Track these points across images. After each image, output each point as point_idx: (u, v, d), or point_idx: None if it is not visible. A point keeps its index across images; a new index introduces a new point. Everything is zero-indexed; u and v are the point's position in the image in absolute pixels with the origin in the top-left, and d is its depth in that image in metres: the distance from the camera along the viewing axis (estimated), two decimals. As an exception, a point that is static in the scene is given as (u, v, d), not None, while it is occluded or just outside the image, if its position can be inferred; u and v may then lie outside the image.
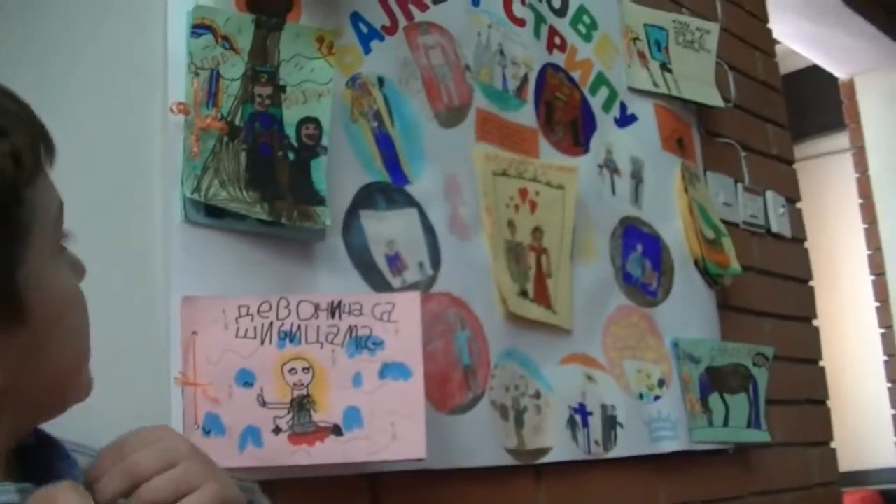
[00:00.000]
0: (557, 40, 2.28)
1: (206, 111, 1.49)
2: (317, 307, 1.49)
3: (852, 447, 5.40)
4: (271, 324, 1.46)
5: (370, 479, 1.63)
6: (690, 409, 2.29)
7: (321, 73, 1.63)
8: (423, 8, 1.96)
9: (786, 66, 4.94)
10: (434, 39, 1.96)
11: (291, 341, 1.45)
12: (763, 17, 3.30)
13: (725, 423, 2.38)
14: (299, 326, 1.48)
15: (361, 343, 1.51)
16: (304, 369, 1.47)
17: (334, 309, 1.50)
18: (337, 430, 1.47)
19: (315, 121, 1.62)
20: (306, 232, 1.57)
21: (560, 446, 1.95)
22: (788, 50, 4.18)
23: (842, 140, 4.87)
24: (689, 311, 2.41)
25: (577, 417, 2.01)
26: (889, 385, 4.42)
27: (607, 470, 2.09)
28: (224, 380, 1.43)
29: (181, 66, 1.50)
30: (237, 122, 1.53)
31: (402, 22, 1.91)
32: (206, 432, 1.40)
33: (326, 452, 1.46)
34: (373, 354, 1.51)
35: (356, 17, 1.81)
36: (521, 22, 2.17)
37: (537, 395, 1.95)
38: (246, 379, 1.42)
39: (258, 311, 1.45)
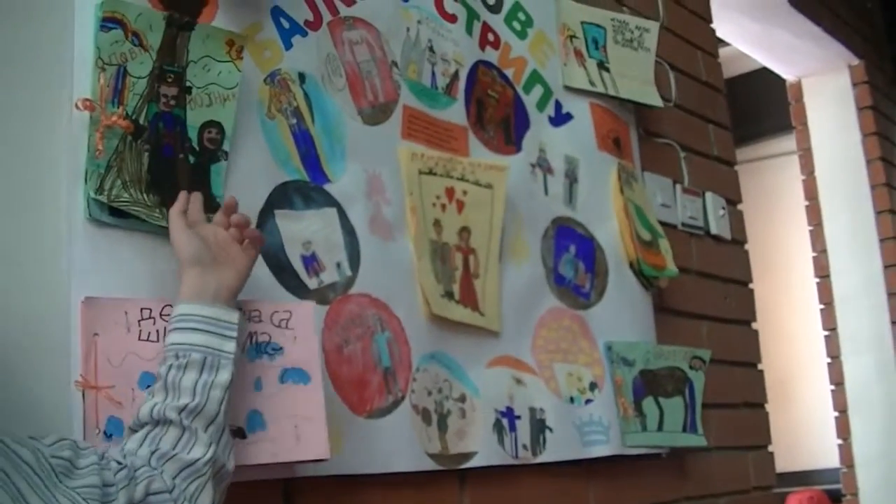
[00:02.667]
0: (491, 37, 2.25)
1: (111, 108, 1.45)
2: None
3: (799, 448, 5.45)
4: None
5: (285, 484, 1.59)
6: (623, 413, 2.26)
7: (228, 77, 1.60)
8: (350, 2, 1.92)
9: (736, 69, 4.96)
10: (360, 35, 1.93)
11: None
12: (706, 17, 3.28)
13: (660, 427, 2.36)
14: None
15: (261, 349, 1.50)
16: None
17: None
18: (240, 433, 1.44)
19: (218, 125, 1.58)
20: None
21: (485, 451, 1.92)
22: (738, 52, 4.18)
23: (789, 142, 4.87)
24: (623, 314, 2.39)
25: (504, 421, 1.98)
26: (832, 387, 4.42)
27: (536, 475, 2.06)
28: (127, 383, 1.38)
29: (88, 61, 1.46)
30: (142, 121, 1.49)
31: (327, 17, 1.87)
32: (108, 436, 1.35)
33: (231, 454, 1.43)
34: (272, 360, 1.51)
35: (277, 12, 1.77)
36: (452, 18, 2.14)
37: (462, 399, 1.91)
38: (149, 382, 1.37)
39: (160, 314, 1.41)
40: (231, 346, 1.34)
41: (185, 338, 1.32)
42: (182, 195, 1.45)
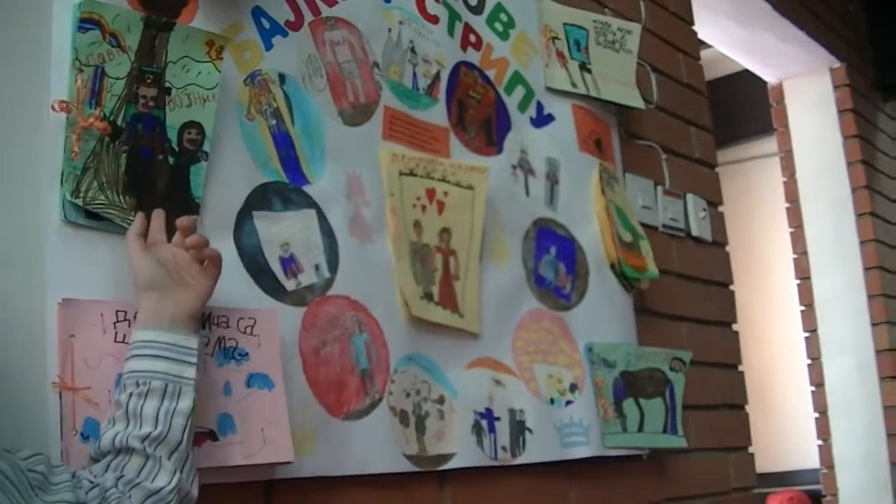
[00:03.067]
0: (472, 38, 2.24)
1: (88, 110, 1.45)
2: None
3: (778, 449, 5.47)
4: None
5: (265, 486, 1.59)
6: (603, 415, 2.26)
7: (208, 78, 1.60)
8: (331, 3, 1.92)
9: (717, 71, 4.97)
10: (341, 35, 1.92)
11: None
12: (688, 20, 3.28)
13: (640, 429, 2.36)
14: None
15: (229, 354, 1.53)
16: None
17: (205, 320, 1.50)
18: (212, 435, 1.46)
19: (198, 126, 1.58)
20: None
21: (464, 452, 1.92)
22: (719, 55, 4.18)
23: (770, 144, 4.89)
24: (604, 315, 2.39)
25: (484, 423, 1.98)
26: (813, 388, 4.43)
27: (515, 476, 2.05)
28: (103, 385, 1.38)
29: (65, 62, 1.45)
30: (119, 122, 1.48)
31: (308, 17, 1.87)
32: (85, 437, 1.35)
33: (204, 456, 1.44)
34: (239, 364, 1.53)
35: (258, 12, 1.77)
36: (434, 19, 2.14)
37: (441, 401, 1.91)
38: (125, 384, 1.37)
39: (136, 317, 1.40)
40: (191, 372, 1.34)
41: (145, 365, 1.31)
42: (139, 217, 1.44)
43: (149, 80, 1.53)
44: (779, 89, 4.64)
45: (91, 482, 1.21)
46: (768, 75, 4.60)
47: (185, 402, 1.31)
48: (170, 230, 1.47)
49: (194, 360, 1.34)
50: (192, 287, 1.40)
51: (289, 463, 1.54)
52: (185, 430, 1.30)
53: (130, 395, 1.29)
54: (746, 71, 4.59)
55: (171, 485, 1.26)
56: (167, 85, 1.55)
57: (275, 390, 1.55)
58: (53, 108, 1.41)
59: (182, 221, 1.44)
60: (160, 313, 1.35)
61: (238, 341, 1.53)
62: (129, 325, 1.41)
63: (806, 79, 4.58)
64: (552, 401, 2.16)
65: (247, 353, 1.53)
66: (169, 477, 1.26)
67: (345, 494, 1.71)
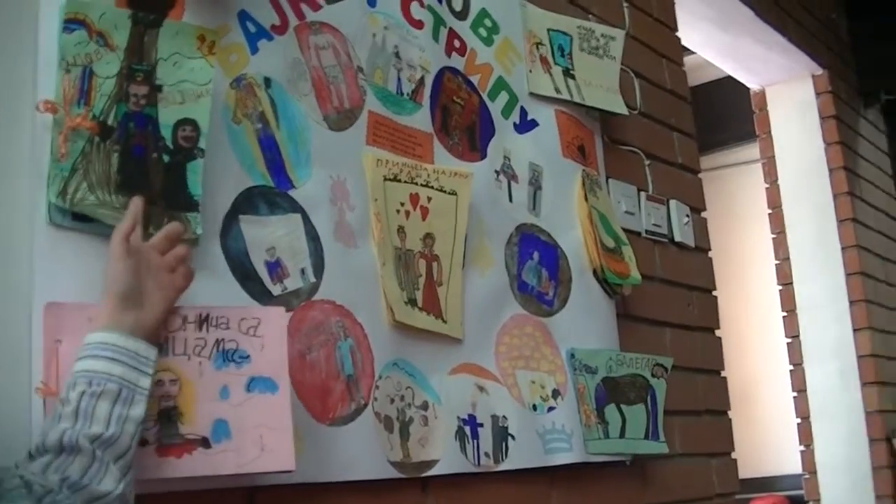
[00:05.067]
0: (457, 43, 2.25)
1: (76, 110, 1.44)
2: (185, 319, 1.46)
3: (761, 454, 5.48)
4: None
5: (248, 493, 1.58)
6: (586, 421, 2.26)
7: (201, 74, 1.59)
8: (316, 7, 1.92)
9: (700, 77, 4.98)
10: (326, 40, 1.92)
11: (159, 352, 1.38)
12: (672, 26, 3.29)
13: (622, 435, 2.36)
14: (167, 338, 1.44)
15: (228, 356, 1.48)
16: (171, 381, 1.43)
17: (202, 321, 1.47)
18: (205, 443, 1.43)
19: (192, 122, 1.57)
20: (176, 241, 1.52)
21: (448, 459, 1.92)
22: (702, 61, 4.20)
23: (753, 151, 4.90)
24: (586, 321, 2.39)
25: (467, 429, 1.98)
26: (795, 394, 4.44)
27: (498, 482, 2.05)
28: (89, 390, 1.37)
29: (52, 63, 1.45)
30: (110, 121, 1.48)
31: (293, 21, 1.86)
32: (70, 444, 1.34)
33: (194, 465, 1.42)
34: (239, 367, 1.48)
35: (244, 16, 1.76)
36: (418, 24, 2.14)
37: (424, 407, 1.91)
38: (110, 390, 1.36)
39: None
40: (147, 383, 1.31)
41: (102, 366, 1.28)
42: (130, 216, 1.40)
43: (139, 78, 1.52)
44: (761, 96, 4.66)
45: (42, 486, 1.16)
46: (751, 82, 4.62)
47: (137, 411, 1.28)
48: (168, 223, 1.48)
49: (151, 371, 1.32)
50: (156, 303, 1.38)
51: (290, 472, 1.50)
52: (133, 438, 1.27)
53: (82, 393, 1.25)
54: (729, 77, 4.62)
55: (117, 491, 1.22)
56: (158, 82, 1.54)
57: (278, 394, 1.50)
58: (39, 109, 1.41)
59: (172, 229, 1.44)
60: (121, 321, 1.33)
61: (238, 343, 1.49)
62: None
63: (788, 85, 4.60)
64: (535, 407, 2.16)
65: (248, 356, 1.49)
66: (115, 483, 1.23)
67: (329, 500, 1.70)
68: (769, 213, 4.60)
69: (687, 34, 3.44)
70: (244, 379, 1.49)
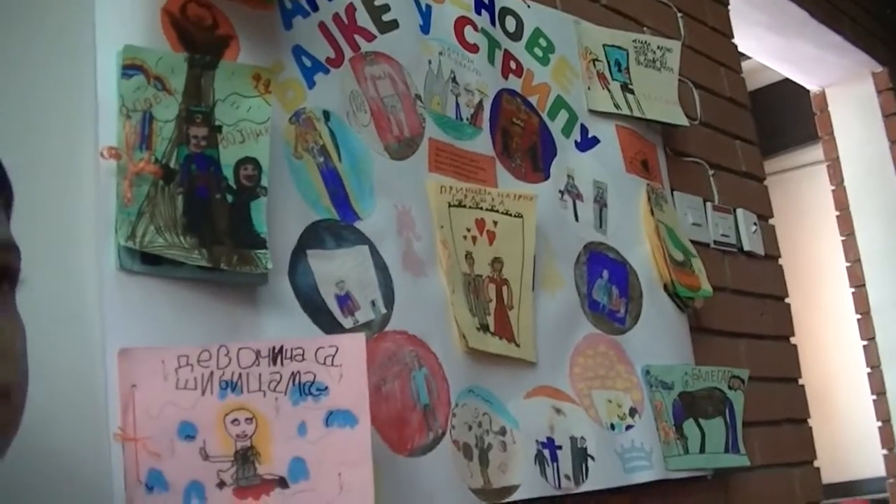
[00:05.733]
0: (513, 65, 2.24)
1: (139, 155, 1.44)
2: (258, 354, 1.43)
3: (842, 459, 5.40)
4: (212, 373, 1.40)
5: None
6: (664, 437, 2.23)
7: (258, 112, 1.58)
8: (370, 38, 1.91)
9: (757, 82, 4.94)
10: (382, 69, 1.92)
11: (233, 391, 1.39)
12: (728, 33, 3.26)
13: (702, 450, 2.33)
14: (241, 375, 1.42)
15: (305, 389, 1.44)
16: (246, 419, 1.41)
17: (276, 355, 1.44)
18: (283, 483, 1.41)
19: (253, 161, 1.56)
20: (246, 276, 1.51)
21: (528, 483, 1.89)
22: (759, 65, 4.15)
23: (816, 152, 4.85)
24: (659, 337, 2.36)
25: (546, 452, 1.96)
26: (874, 397, 4.37)
27: (580, 504, 2.03)
28: (165, 434, 1.36)
29: (112, 109, 1.45)
30: (172, 164, 1.47)
31: (348, 53, 1.86)
32: (150, 489, 1.33)
33: (269, 507, 1.40)
34: (317, 401, 1.44)
35: (298, 51, 1.76)
36: (473, 48, 2.13)
37: (502, 432, 1.89)
38: (188, 432, 1.37)
39: (198, 361, 1.39)
40: None
41: None
42: None
43: (198, 120, 1.52)
44: (821, 97, 4.61)
45: None
46: (810, 83, 4.57)
47: None
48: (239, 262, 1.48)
49: None
50: None
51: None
52: None
53: None
54: (787, 79, 4.57)
55: None
56: (217, 123, 1.54)
57: (357, 428, 1.45)
58: (103, 155, 1.41)
59: None
60: None
61: (316, 374, 1.45)
62: (192, 371, 1.39)
63: (848, 85, 4.55)
64: (612, 426, 2.13)
65: (326, 388, 1.44)
66: None
67: (410, 532, 1.69)
68: (837, 216, 4.55)
69: (741, 40, 3.41)
70: (322, 413, 1.44)
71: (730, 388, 2.44)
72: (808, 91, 4.64)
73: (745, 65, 3.35)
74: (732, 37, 3.29)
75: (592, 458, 2.04)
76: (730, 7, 3.33)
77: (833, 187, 4.56)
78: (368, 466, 1.45)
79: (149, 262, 1.42)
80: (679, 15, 2.96)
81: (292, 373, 1.44)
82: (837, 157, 4.56)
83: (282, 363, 1.44)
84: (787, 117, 5.44)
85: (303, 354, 1.45)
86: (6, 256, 0.91)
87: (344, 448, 1.44)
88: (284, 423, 1.42)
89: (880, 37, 4.53)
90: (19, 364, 0.89)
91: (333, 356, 1.46)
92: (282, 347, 1.44)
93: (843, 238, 4.51)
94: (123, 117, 1.45)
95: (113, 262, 1.40)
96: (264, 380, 1.43)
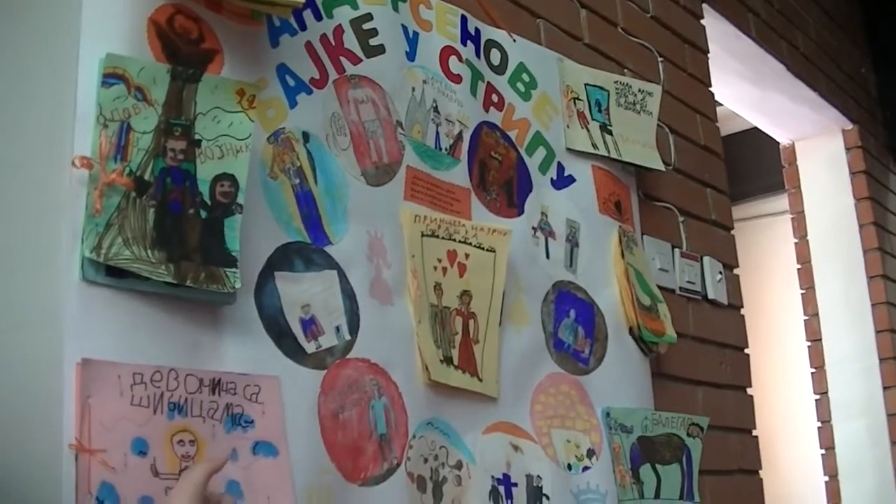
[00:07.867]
0: (495, 98, 2.23)
1: (112, 165, 1.41)
2: (201, 382, 1.47)
3: (786, 513, 5.40)
4: (162, 394, 1.42)
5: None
6: (620, 481, 2.22)
7: (240, 128, 1.56)
8: (356, 61, 1.90)
9: (727, 128, 4.96)
10: (365, 93, 1.90)
11: (179, 413, 1.41)
12: (706, 81, 3.27)
13: (657, 495, 2.32)
14: (186, 399, 1.44)
15: (236, 420, 1.50)
16: (190, 441, 1.44)
17: (215, 385, 1.48)
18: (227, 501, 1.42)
19: (231, 178, 1.54)
20: (213, 295, 1.49)
21: (482, 519, 1.88)
22: (729, 112, 4.17)
23: (780, 202, 4.88)
24: (621, 380, 2.35)
25: (501, 489, 1.94)
26: (823, 451, 4.39)
27: (531, 544, 2.01)
28: (120, 447, 1.35)
29: (90, 118, 1.42)
30: (147, 176, 1.45)
31: (333, 75, 1.85)
32: (100, 502, 1.31)
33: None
34: (245, 431, 1.51)
35: (283, 69, 1.75)
36: (457, 78, 2.12)
37: (458, 466, 1.87)
38: (140, 448, 1.36)
39: (151, 380, 1.39)
40: None
41: None
42: (222, 462, 1.35)
43: (177, 133, 1.50)
44: (791, 150, 4.64)
45: None
46: (781, 136, 4.60)
47: None
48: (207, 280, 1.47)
49: None
50: None
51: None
52: None
53: None
54: (755, 128, 4.59)
55: None
56: (197, 137, 1.52)
57: (279, 458, 1.52)
58: (74, 165, 1.39)
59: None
60: None
61: (244, 408, 1.51)
62: (146, 388, 1.38)
63: (818, 140, 4.58)
64: (570, 466, 2.12)
65: (252, 421, 1.51)
66: None
67: (360, 564, 1.67)
68: (798, 269, 4.57)
69: (717, 88, 3.42)
70: (250, 443, 1.51)
71: (688, 435, 2.43)
72: (776, 141, 4.66)
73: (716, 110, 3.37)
74: (710, 84, 3.30)
75: (547, 497, 2.03)
76: (709, 55, 3.34)
77: (796, 240, 4.59)
78: (290, 493, 1.52)
79: (113, 274, 1.40)
80: (660, 59, 2.97)
81: (227, 404, 1.50)
82: (802, 211, 4.58)
83: (219, 394, 1.49)
84: (754, 166, 5.46)
85: (235, 388, 1.51)
86: None
87: (269, 475, 1.51)
88: (219, 448, 1.46)
89: (853, 95, 4.57)
90: None
91: (257, 394, 1.54)
92: (220, 380, 1.49)
93: (803, 291, 4.54)
94: (100, 126, 1.42)
95: (77, 272, 1.38)
96: (205, 407, 1.47)
